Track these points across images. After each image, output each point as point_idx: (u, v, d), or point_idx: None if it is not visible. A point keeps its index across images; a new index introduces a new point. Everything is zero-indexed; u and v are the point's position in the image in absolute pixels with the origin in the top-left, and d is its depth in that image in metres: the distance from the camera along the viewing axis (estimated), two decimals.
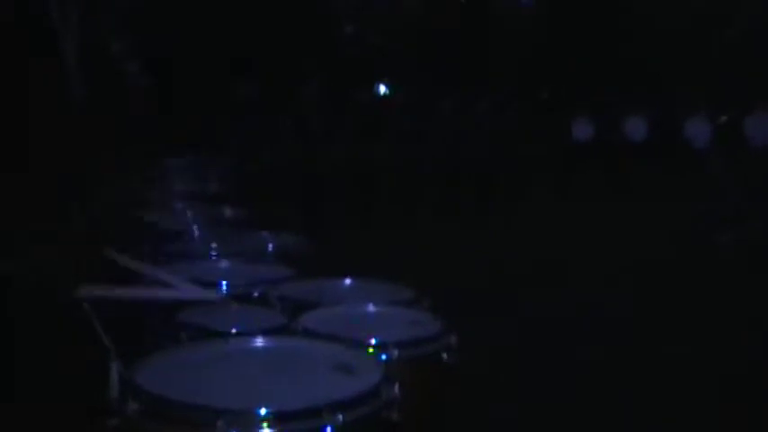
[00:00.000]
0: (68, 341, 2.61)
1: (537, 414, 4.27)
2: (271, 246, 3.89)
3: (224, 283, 3.07)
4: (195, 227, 4.28)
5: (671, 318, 6.32)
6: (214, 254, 3.72)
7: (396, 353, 2.37)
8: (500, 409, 4.26)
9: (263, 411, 1.82)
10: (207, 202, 5.02)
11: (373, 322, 2.67)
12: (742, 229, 9.57)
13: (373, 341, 2.40)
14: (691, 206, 10.93)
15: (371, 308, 2.78)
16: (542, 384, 4.73)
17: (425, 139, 14.10)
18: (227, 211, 4.90)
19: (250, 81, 12.91)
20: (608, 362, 5.12)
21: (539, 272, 7.73)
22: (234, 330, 2.54)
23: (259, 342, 2.35)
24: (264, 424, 1.81)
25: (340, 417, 1.85)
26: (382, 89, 16.04)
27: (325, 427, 1.84)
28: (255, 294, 3.02)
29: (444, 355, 2.49)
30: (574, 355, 5.28)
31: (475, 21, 17.44)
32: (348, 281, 3.20)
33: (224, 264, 3.51)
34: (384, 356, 2.33)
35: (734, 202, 10.40)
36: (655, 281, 7.58)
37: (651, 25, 18.36)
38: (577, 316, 6.20)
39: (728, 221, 9.80)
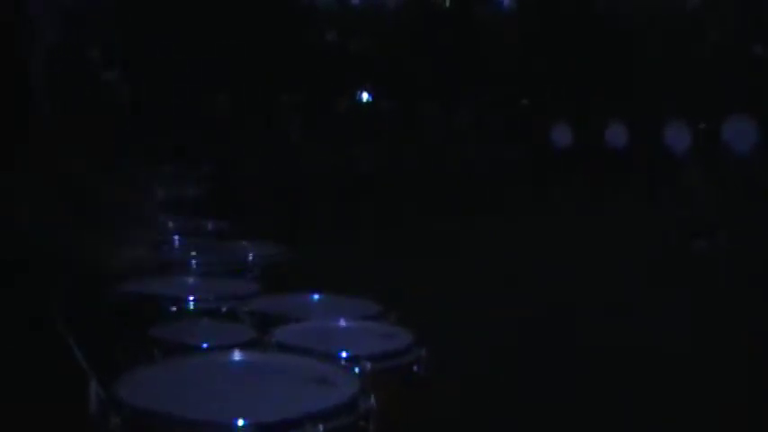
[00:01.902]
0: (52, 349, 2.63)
1: (536, 414, 4.32)
2: (251, 256, 3.91)
3: (191, 298, 3.09)
4: (175, 237, 4.30)
5: (671, 318, 6.37)
6: (186, 266, 3.74)
7: (368, 365, 2.41)
8: (498, 410, 4.31)
9: (243, 423, 1.85)
10: (186, 212, 5.02)
11: (345, 336, 2.70)
12: (717, 237, 9.67)
13: (346, 354, 2.44)
14: (669, 213, 11.02)
15: (342, 322, 2.82)
16: (541, 384, 4.78)
17: (407, 146, 14.11)
18: (207, 222, 4.91)
19: (230, 90, 12.88)
20: (608, 362, 5.17)
21: (532, 275, 7.81)
22: (206, 346, 2.57)
23: (234, 356, 2.37)
24: None
25: (320, 427, 1.88)
26: (365, 96, 16.05)
27: None
28: (224, 310, 3.05)
29: (415, 367, 2.54)
30: (574, 354, 5.32)
31: (458, 28, 17.54)
32: (316, 296, 3.22)
33: (192, 279, 3.51)
34: (357, 369, 2.37)
35: (711, 209, 10.47)
36: (652, 282, 7.66)
37: (632, 33, 18.58)
38: (576, 316, 6.26)
39: (705, 229, 9.89)
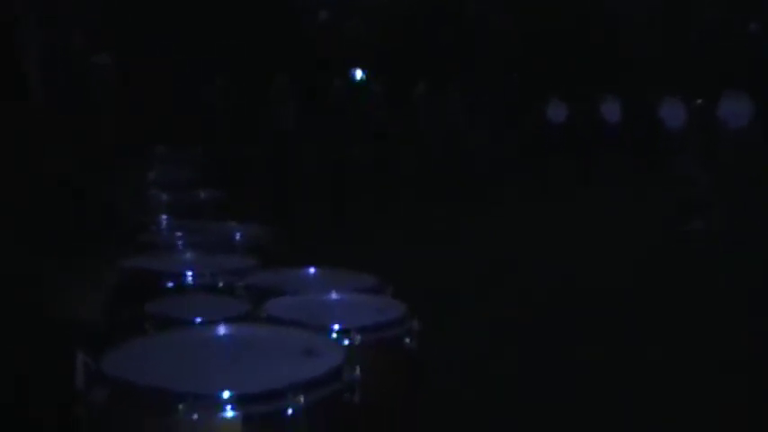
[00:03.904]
0: (31, 334, 2.63)
1: (535, 414, 4.32)
2: (238, 235, 3.91)
3: (189, 273, 3.09)
4: (163, 217, 4.30)
5: (671, 318, 6.31)
6: (180, 244, 3.74)
7: (358, 338, 2.41)
8: (496, 409, 4.32)
9: (225, 395, 1.85)
10: (175, 192, 5.02)
11: (337, 309, 2.71)
12: (713, 217, 9.63)
13: (336, 326, 2.43)
14: (663, 193, 10.97)
15: (335, 295, 2.82)
16: (541, 384, 4.77)
17: (400, 129, 14.02)
18: (196, 201, 4.91)
19: (222, 71, 12.80)
20: (608, 362, 5.15)
21: (530, 266, 7.77)
22: (198, 320, 2.57)
23: (223, 330, 2.37)
24: (227, 407, 1.84)
25: (301, 398, 1.89)
26: (359, 74, 15.89)
27: (287, 408, 1.88)
28: (221, 284, 3.06)
29: (407, 340, 2.54)
30: (573, 354, 5.30)
31: (449, 6, 17.45)
32: (312, 270, 3.22)
33: (189, 254, 3.52)
34: (346, 341, 2.37)
35: (706, 188, 10.40)
36: (652, 279, 7.58)
37: (627, 8, 18.46)
38: (576, 315, 6.24)
39: (700, 209, 9.85)
